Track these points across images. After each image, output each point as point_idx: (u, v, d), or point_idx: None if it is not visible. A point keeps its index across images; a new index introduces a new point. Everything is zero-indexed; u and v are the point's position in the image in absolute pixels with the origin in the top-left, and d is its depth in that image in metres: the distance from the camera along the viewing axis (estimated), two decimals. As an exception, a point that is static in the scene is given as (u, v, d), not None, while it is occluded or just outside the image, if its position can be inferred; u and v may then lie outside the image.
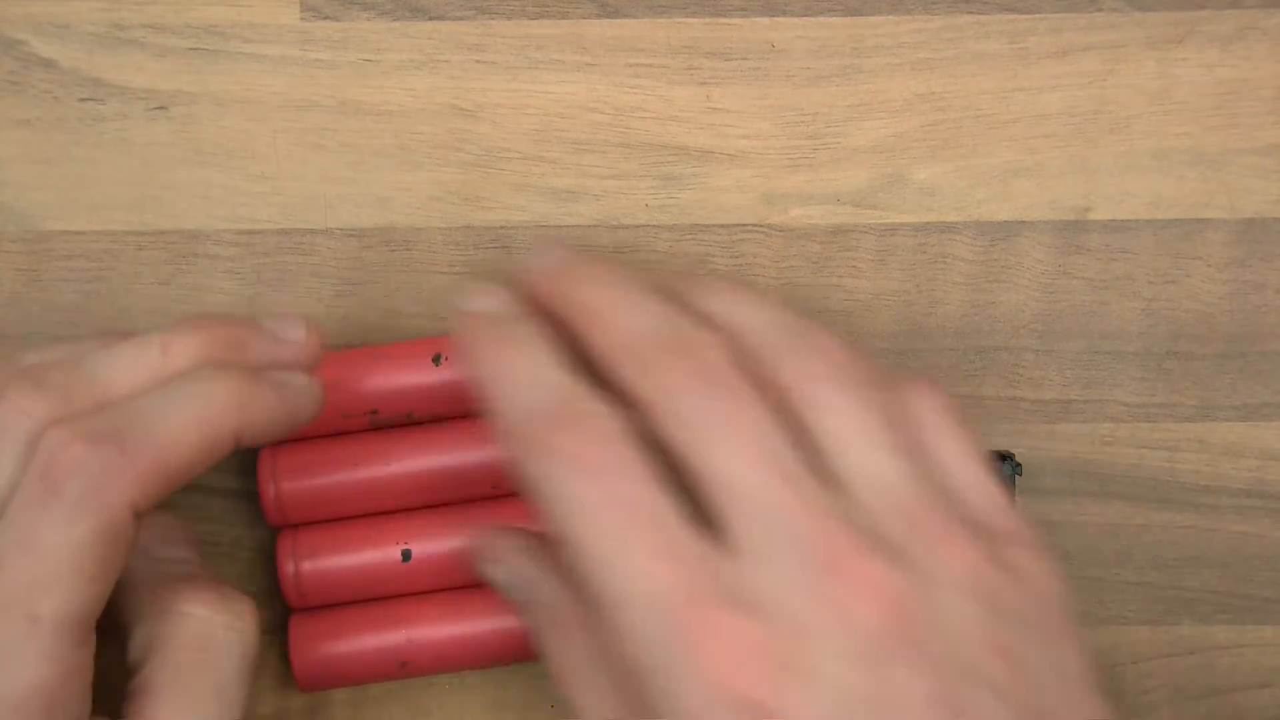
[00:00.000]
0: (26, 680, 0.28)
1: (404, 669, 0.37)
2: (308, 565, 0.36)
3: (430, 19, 0.38)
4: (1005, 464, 0.38)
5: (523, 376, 0.29)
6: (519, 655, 0.37)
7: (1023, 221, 0.39)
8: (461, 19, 0.38)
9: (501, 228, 0.39)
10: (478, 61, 0.38)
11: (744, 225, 0.39)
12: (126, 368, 0.30)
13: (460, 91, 0.38)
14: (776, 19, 0.39)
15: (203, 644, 0.30)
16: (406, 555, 0.36)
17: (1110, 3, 0.39)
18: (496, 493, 0.36)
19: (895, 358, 0.39)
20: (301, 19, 0.38)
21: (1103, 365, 0.39)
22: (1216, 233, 0.39)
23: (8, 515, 0.28)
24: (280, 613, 0.37)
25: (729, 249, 0.39)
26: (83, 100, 0.38)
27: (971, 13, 0.38)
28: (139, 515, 0.29)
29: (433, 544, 0.36)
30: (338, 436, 0.36)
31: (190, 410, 0.29)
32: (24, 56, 0.38)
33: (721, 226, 0.39)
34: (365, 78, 0.38)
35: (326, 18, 0.38)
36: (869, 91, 0.39)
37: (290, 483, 0.36)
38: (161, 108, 0.38)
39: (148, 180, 0.38)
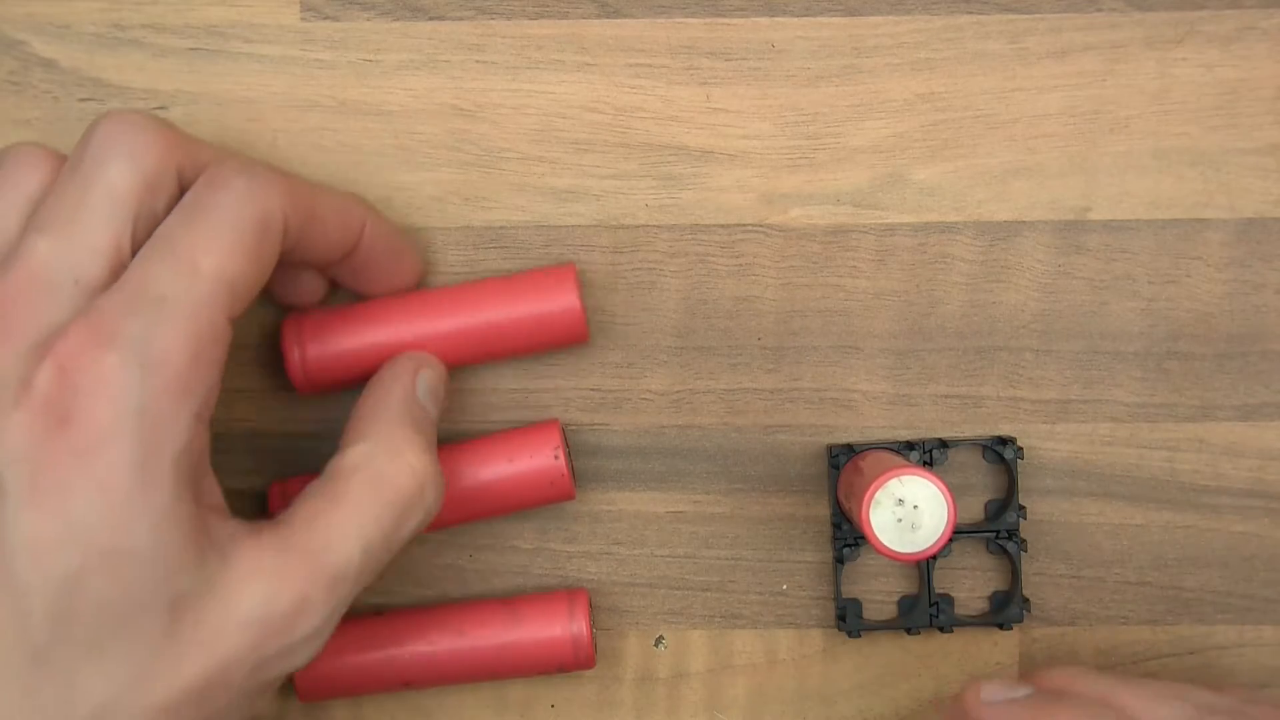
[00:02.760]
0: (178, 319, 0.30)
1: (406, 686, 0.37)
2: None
3: (430, 19, 0.38)
4: (1007, 448, 0.38)
5: None
6: (521, 670, 0.37)
7: (1023, 221, 0.39)
8: (461, 19, 0.38)
9: (501, 228, 0.39)
10: (478, 61, 0.38)
11: (744, 225, 0.39)
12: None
13: (460, 91, 0.38)
14: (776, 19, 0.38)
15: (401, 492, 0.33)
16: None
17: (1110, 3, 0.39)
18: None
19: (895, 358, 0.39)
20: (301, 19, 0.38)
21: (1103, 365, 0.39)
22: (1216, 233, 0.39)
23: (169, 219, 0.31)
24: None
25: (729, 249, 0.39)
26: (83, 100, 0.38)
27: (971, 13, 0.38)
28: (285, 230, 0.32)
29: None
30: (358, 301, 0.37)
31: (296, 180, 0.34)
32: (24, 56, 0.38)
33: (721, 226, 0.39)
34: (365, 78, 0.38)
35: (326, 18, 0.38)
36: (869, 91, 0.39)
37: (315, 348, 0.37)
38: (161, 108, 0.38)
39: (148, 180, 0.38)
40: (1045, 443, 0.39)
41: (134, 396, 0.29)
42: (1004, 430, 0.39)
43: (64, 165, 0.32)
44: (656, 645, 0.39)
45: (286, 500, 0.35)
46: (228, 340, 0.31)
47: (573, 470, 0.38)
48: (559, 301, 0.36)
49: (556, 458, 0.37)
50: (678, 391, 0.39)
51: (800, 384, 0.39)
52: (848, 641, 0.39)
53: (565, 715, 0.39)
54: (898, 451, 0.38)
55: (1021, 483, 0.39)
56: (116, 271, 0.30)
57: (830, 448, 0.38)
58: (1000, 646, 0.39)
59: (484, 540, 0.39)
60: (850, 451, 0.38)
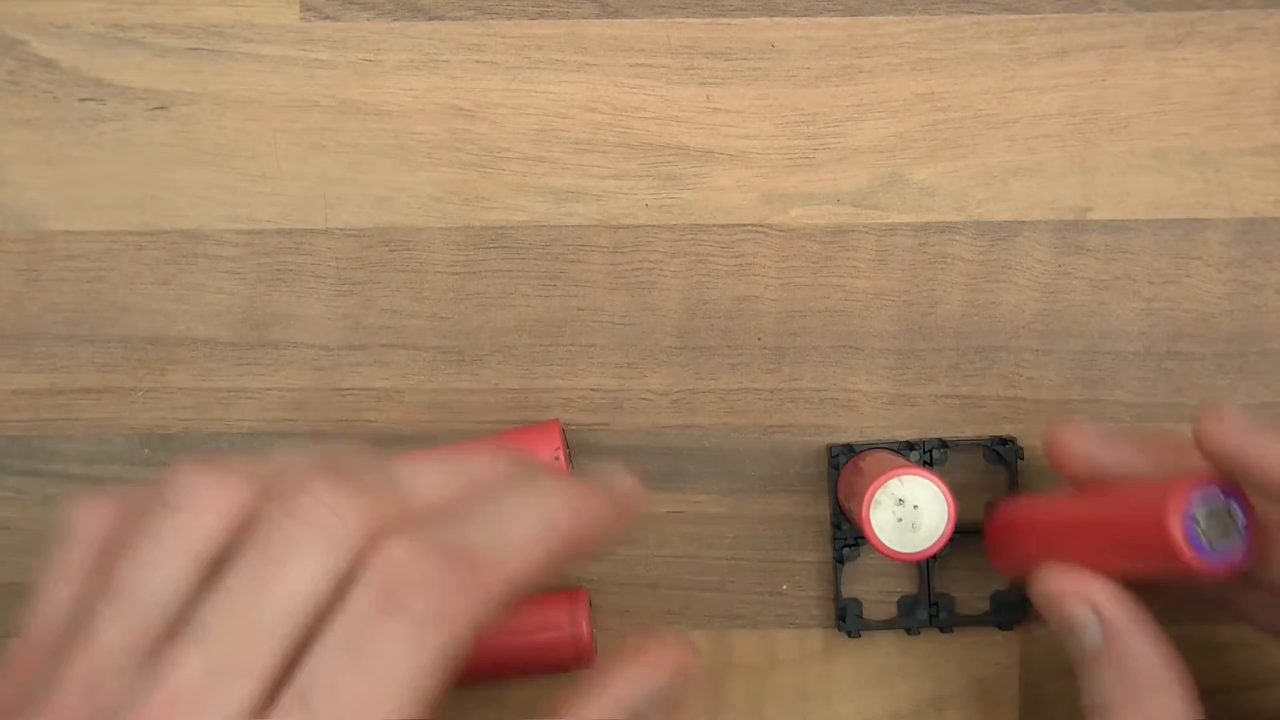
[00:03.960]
0: None
1: None
2: None
3: (430, 19, 0.38)
4: (1007, 448, 0.38)
5: None
6: (521, 670, 0.37)
7: (1023, 221, 0.39)
8: (461, 19, 0.38)
9: (501, 228, 0.39)
10: (478, 61, 0.38)
11: (744, 225, 0.39)
12: (438, 477, 0.28)
13: (460, 91, 0.38)
14: (776, 19, 0.38)
15: None
16: None
17: (1110, 3, 0.39)
18: None
19: (895, 358, 0.39)
20: (301, 19, 0.38)
21: (1103, 365, 0.39)
22: (1216, 233, 0.39)
23: (334, 627, 0.25)
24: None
25: (729, 249, 0.39)
26: (83, 100, 0.38)
27: (971, 13, 0.38)
28: (476, 636, 0.26)
29: None
30: None
31: (533, 527, 0.27)
32: (24, 56, 0.38)
33: (721, 226, 0.39)
34: (365, 78, 0.38)
35: (326, 18, 0.38)
36: (869, 91, 0.39)
37: None
38: (161, 108, 0.38)
39: (148, 180, 0.38)
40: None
41: None
42: (1004, 430, 0.39)
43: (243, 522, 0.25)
44: (656, 645, 0.39)
45: None
46: None
47: (573, 470, 0.38)
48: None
49: (556, 459, 0.37)
50: (678, 391, 0.39)
51: (800, 384, 0.39)
52: (848, 641, 0.39)
53: (565, 715, 0.39)
54: (898, 452, 0.38)
55: (1021, 483, 0.39)
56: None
57: (830, 448, 0.38)
58: (1001, 647, 0.39)
59: (484, 540, 0.39)
60: (850, 451, 0.38)
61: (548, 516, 0.27)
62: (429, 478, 0.27)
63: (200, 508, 0.25)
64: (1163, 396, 0.39)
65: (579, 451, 0.39)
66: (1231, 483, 0.30)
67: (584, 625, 0.37)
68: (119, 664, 0.25)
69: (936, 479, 0.33)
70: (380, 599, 0.25)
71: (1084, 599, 0.32)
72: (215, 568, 0.25)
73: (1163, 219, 0.39)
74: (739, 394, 0.39)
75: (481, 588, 0.25)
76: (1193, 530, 0.29)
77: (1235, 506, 0.30)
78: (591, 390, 0.39)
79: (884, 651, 0.39)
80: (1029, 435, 0.39)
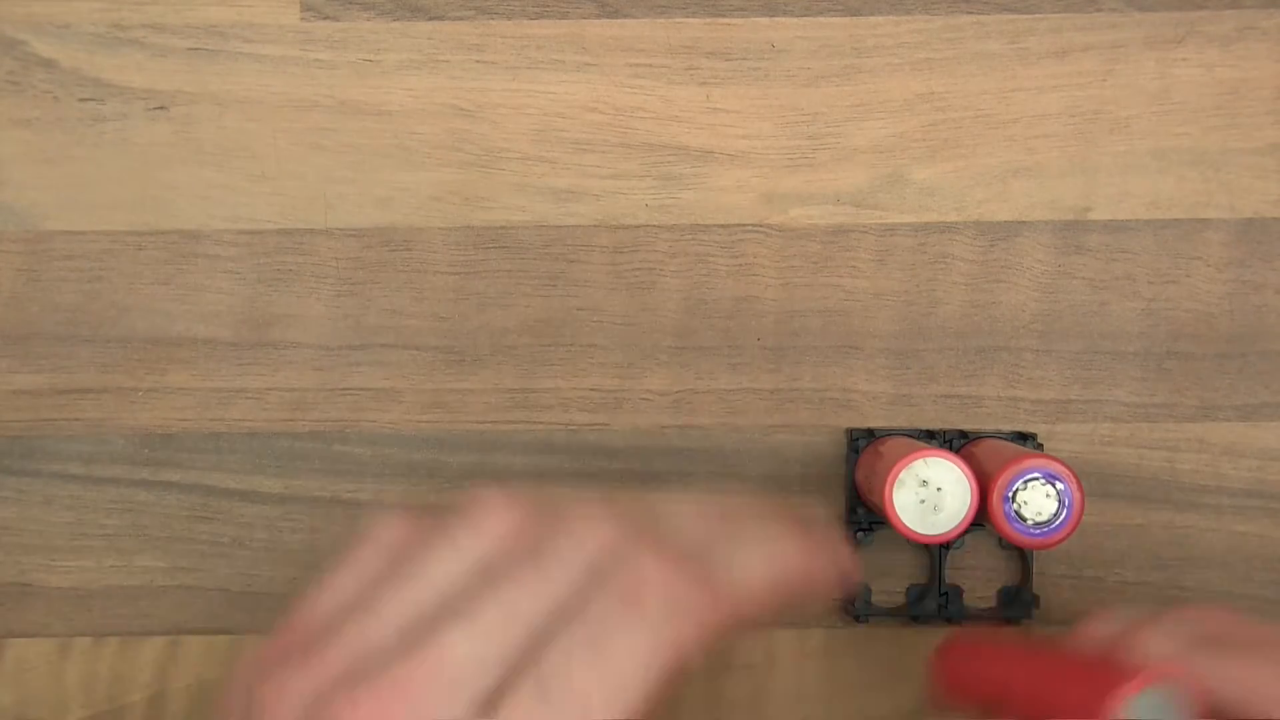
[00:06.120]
0: None
1: None
2: None
3: (430, 19, 0.38)
4: (1027, 442, 0.38)
5: None
6: None
7: (1023, 221, 0.39)
8: (461, 19, 0.38)
9: (501, 228, 0.39)
10: (478, 61, 0.38)
11: (744, 225, 0.39)
12: (689, 514, 0.30)
13: (460, 91, 0.38)
14: (776, 19, 0.38)
15: None
16: None
17: (1110, 3, 0.39)
18: None
19: (895, 358, 0.39)
20: (301, 19, 0.38)
21: (1103, 365, 0.39)
22: (1216, 233, 0.39)
23: (575, 625, 0.27)
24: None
25: (729, 249, 0.39)
26: (83, 100, 0.38)
27: (971, 13, 0.38)
28: (698, 656, 0.28)
29: None
30: None
31: (765, 566, 0.29)
32: (24, 56, 0.38)
33: (721, 226, 0.39)
34: (365, 78, 0.38)
35: (326, 18, 0.38)
36: (869, 91, 0.39)
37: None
38: (161, 108, 0.38)
39: (148, 180, 0.38)
40: (1045, 443, 0.39)
41: None
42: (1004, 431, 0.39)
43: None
44: (656, 645, 0.39)
45: None
46: None
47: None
48: None
49: None
50: (678, 391, 0.39)
51: (800, 384, 0.39)
52: (849, 642, 0.39)
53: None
54: (917, 439, 0.38)
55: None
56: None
57: (850, 431, 0.38)
58: (1000, 646, 0.39)
59: (484, 540, 0.39)
60: (870, 436, 0.38)
61: (779, 566, 0.29)
62: (682, 514, 0.30)
63: (491, 521, 0.29)
64: (1163, 396, 0.39)
65: (579, 452, 0.39)
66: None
67: None
68: (390, 634, 0.28)
69: (961, 462, 0.33)
70: (622, 601, 0.27)
71: None
72: (488, 571, 0.28)
73: (1163, 219, 0.39)
74: (739, 394, 0.39)
75: (714, 609, 0.28)
76: None
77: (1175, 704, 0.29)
78: (591, 390, 0.39)
79: (884, 652, 0.39)
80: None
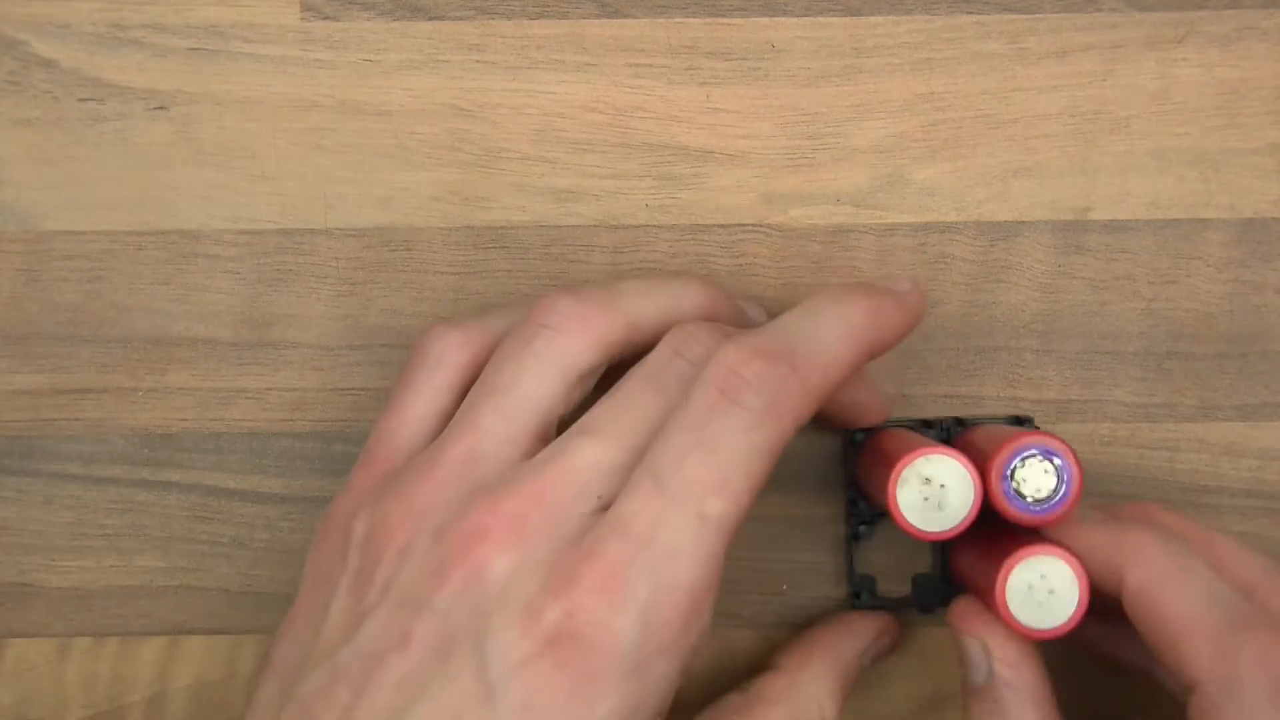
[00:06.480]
0: (685, 577, 0.28)
1: None
2: None
3: (430, 19, 0.38)
4: (1024, 426, 0.38)
5: None
6: None
7: (1023, 221, 0.39)
8: (461, 19, 0.38)
9: (501, 228, 0.39)
10: (478, 61, 0.38)
11: (744, 225, 0.39)
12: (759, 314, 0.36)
13: (460, 91, 0.38)
14: (776, 19, 0.39)
15: None
16: None
17: (1110, 3, 0.39)
18: None
19: (895, 357, 0.39)
20: (301, 19, 0.38)
21: (1103, 365, 0.39)
22: (1216, 233, 0.39)
23: (679, 419, 0.29)
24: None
25: (729, 249, 0.39)
26: (83, 100, 0.38)
27: (971, 13, 0.38)
28: (797, 430, 0.30)
29: None
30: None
31: (839, 329, 0.31)
32: (24, 56, 0.38)
33: (721, 226, 0.39)
34: (365, 78, 0.38)
35: (326, 18, 0.38)
36: (869, 91, 0.39)
37: None
38: (161, 108, 0.38)
39: (148, 180, 0.38)
40: (1045, 443, 0.39)
41: (630, 658, 0.28)
42: (1004, 430, 0.39)
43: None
44: (656, 645, 0.39)
45: None
46: (717, 588, 0.30)
47: None
48: None
49: None
50: (678, 391, 0.39)
51: (800, 384, 0.39)
52: (848, 641, 0.39)
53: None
54: (914, 429, 0.38)
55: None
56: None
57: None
58: (1000, 646, 0.39)
59: (484, 540, 0.39)
60: (868, 430, 0.38)
61: (852, 322, 0.31)
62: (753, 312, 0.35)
63: (575, 330, 0.31)
64: (1163, 396, 0.39)
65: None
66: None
67: None
68: (498, 448, 0.30)
69: (963, 457, 0.33)
70: (720, 394, 0.29)
71: (978, 637, 0.34)
72: (580, 381, 0.31)
73: (1163, 219, 0.39)
74: (739, 394, 0.39)
75: (802, 385, 0.30)
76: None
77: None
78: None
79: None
80: (1029, 435, 0.39)
